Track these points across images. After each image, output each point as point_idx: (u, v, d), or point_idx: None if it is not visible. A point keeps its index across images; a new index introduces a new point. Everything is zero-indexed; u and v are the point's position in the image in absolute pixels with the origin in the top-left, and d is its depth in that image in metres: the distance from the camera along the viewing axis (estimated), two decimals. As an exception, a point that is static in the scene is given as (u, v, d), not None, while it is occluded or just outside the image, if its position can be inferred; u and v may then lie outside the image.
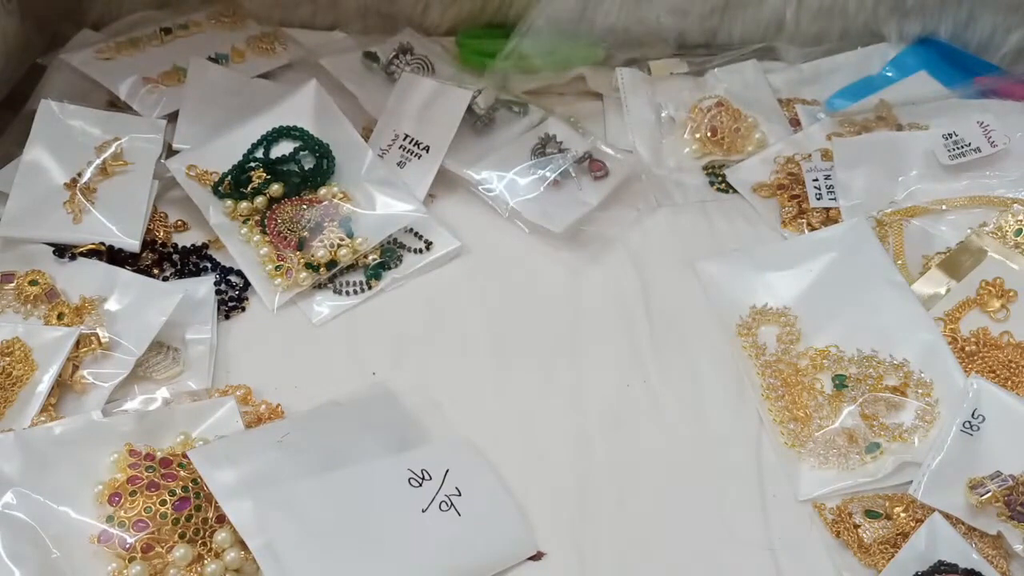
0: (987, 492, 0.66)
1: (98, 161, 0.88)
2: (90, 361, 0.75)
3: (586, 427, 0.76)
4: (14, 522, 0.62)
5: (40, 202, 0.86)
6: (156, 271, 0.85)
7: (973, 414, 0.71)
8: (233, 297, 0.84)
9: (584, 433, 0.76)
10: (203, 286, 0.82)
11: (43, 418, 0.70)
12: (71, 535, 0.63)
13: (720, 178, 1.00)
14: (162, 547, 0.63)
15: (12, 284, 0.80)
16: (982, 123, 0.92)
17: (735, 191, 0.98)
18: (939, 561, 0.64)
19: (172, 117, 0.96)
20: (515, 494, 0.70)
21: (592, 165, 0.96)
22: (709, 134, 1.01)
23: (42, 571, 0.60)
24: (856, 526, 0.68)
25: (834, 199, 0.92)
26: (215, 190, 0.89)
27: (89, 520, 0.64)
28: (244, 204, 0.88)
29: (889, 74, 1.11)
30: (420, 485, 0.68)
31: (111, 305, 0.79)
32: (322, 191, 0.90)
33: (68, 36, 1.07)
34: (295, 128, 0.92)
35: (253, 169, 0.89)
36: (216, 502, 0.63)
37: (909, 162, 0.94)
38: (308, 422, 0.71)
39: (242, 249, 0.87)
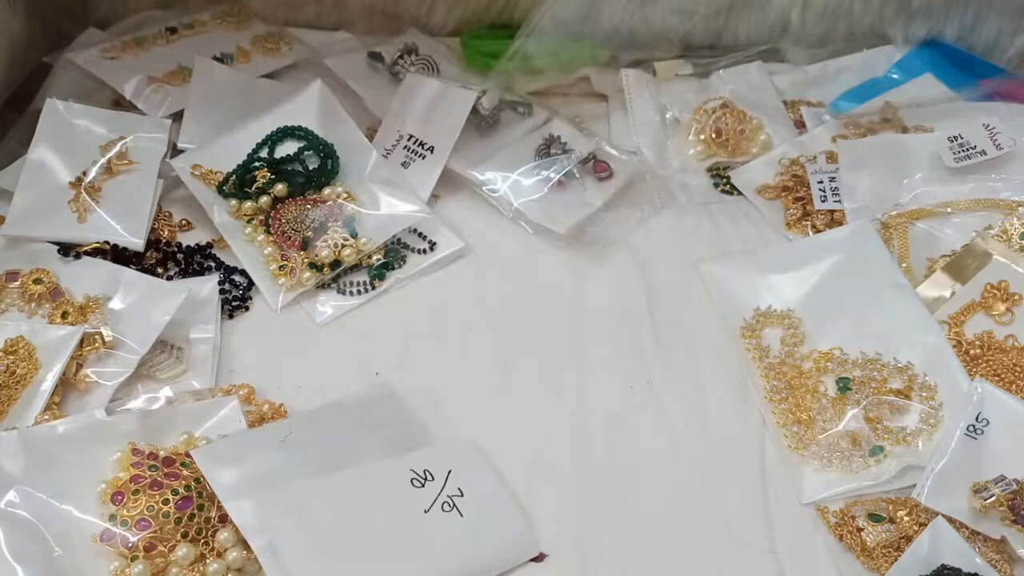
0: (991, 496, 0.66)
1: (103, 160, 0.88)
2: (94, 360, 0.75)
3: (589, 428, 0.76)
4: (17, 520, 0.62)
5: (45, 201, 0.86)
6: (160, 270, 0.85)
7: (977, 418, 0.71)
8: (237, 297, 0.84)
9: (586, 434, 0.76)
10: (207, 285, 0.82)
11: (47, 417, 0.70)
12: (74, 533, 0.63)
13: (724, 180, 1.00)
14: (164, 546, 0.63)
15: (17, 283, 0.80)
16: (988, 126, 0.92)
17: (739, 193, 0.98)
18: (942, 565, 0.63)
19: (177, 116, 0.96)
20: (517, 495, 0.70)
21: (596, 166, 0.96)
22: (714, 136, 1.01)
23: (44, 569, 0.61)
24: (859, 529, 0.68)
25: (839, 201, 0.92)
26: (219, 189, 0.89)
27: (92, 519, 0.64)
28: (248, 204, 0.88)
29: (895, 76, 1.10)
30: (422, 485, 0.68)
31: (115, 304, 0.79)
32: (326, 191, 0.90)
33: (73, 35, 1.08)
34: (299, 128, 0.92)
35: (257, 169, 0.89)
36: (219, 501, 0.64)
37: (914, 165, 0.93)
38: (311, 422, 0.71)
39: (246, 249, 0.87)
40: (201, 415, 0.71)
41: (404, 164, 0.94)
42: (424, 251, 0.89)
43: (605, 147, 0.97)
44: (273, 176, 0.89)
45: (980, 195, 0.91)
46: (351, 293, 0.86)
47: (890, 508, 0.69)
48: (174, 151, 0.93)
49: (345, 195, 0.90)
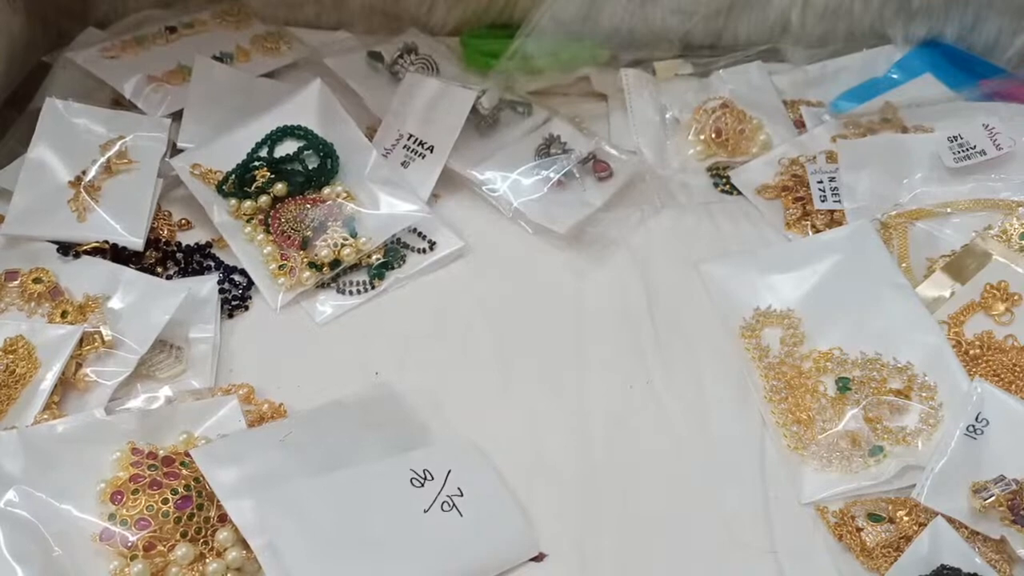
0: (991, 496, 0.66)
1: (102, 159, 0.88)
2: (93, 359, 0.75)
3: (588, 428, 0.76)
4: (16, 520, 0.62)
5: (44, 200, 0.86)
6: (160, 270, 0.85)
7: (977, 418, 0.71)
8: (236, 296, 0.84)
9: (586, 434, 0.76)
10: (206, 285, 0.82)
11: (46, 416, 0.70)
12: (73, 533, 0.63)
13: (724, 180, 1.00)
14: (164, 546, 0.63)
15: (16, 282, 0.80)
16: (987, 126, 0.92)
17: (739, 193, 0.98)
18: (941, 565, 0.63)
19: (177, 116, 0.96)
20: (517, 495, 0.70)
21: (596, 166, 0.95)
22: (713, 135, 1.01)
23: (44, 569, 0.61)
24: (859, 529, 0.68)
25: (839, 201, 0.92)
26: (219, 189, 0.89)
27: (91, 518, 0.64)
28: (248, 203, 0.88)
29: (894, 76, 1.10)
30: (422, 485, 0.67)
31: (114, 303, 0.79)
32: (326, 190, 0.90)
33: (73, 34, 1.08)
34: (299, 127, 0.92)
35: (257, 168, 0.89)
36: (218, 501, 0.64)
37: (914, 165, 0.93)
38: (311, 421, 0.71)
39: (246, 248, 0.87)
40: (200, 415, 0.71)
41: (404, 164, 0.94)
42: (424, 251, 0.89)
43: (605, 147, 0.97)
44: (273, 175, 0.89)
45: (980, 195, 0.91)
46: (351, 293, 0.86)
47: (890, 508, 0.69)
48: (174, 150, 0.93)
49: (345, 194, 0.90)
